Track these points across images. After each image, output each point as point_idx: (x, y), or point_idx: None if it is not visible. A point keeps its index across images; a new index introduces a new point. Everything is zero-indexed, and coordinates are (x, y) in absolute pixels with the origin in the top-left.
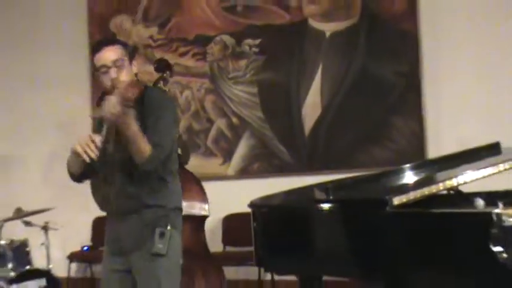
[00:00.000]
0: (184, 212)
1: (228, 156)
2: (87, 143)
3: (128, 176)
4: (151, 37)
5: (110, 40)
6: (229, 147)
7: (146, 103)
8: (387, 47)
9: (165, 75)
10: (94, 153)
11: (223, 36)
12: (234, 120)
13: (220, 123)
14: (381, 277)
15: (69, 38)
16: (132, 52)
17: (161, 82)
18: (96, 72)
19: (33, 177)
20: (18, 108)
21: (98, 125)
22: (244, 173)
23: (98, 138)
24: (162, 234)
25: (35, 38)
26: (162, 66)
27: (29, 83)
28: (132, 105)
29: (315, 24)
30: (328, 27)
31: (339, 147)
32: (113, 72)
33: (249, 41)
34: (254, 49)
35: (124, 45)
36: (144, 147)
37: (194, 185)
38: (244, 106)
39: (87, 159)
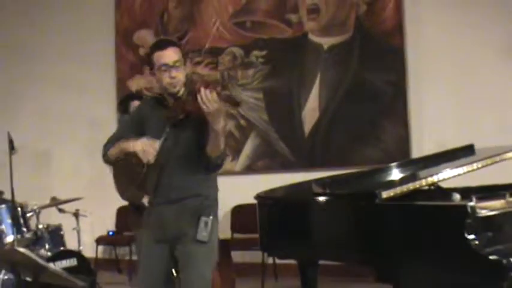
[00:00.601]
0: None
1: (236, 154)
2: (149, 147)
3: (180, 168)
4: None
5: (173, 41)
6: (237, 146)
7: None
8: (377, 59)
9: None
10: (152, 157)
11: (233, 48)
12: (242, 122)
13: (230, 124)
14: (370, 261)
15: (98, 49)
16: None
17: None
18: (151, 69)
19: (66, 170)
20: (54, 111)
21: (134, 120)
22: (250, 169)
23: (157, 144)
24: (206, 223)
25: (69, 50)
26: (232, 102)
27: (63, 90)
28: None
29: (314, 38)
30: (326, 41)
31: (335, 147)
32: (174, 71)
33: (256, 52)
34: (260, 60)
35: (180, 48)
36: (223, 143)
37: None
38: (251, 110)
39: (145, 161)
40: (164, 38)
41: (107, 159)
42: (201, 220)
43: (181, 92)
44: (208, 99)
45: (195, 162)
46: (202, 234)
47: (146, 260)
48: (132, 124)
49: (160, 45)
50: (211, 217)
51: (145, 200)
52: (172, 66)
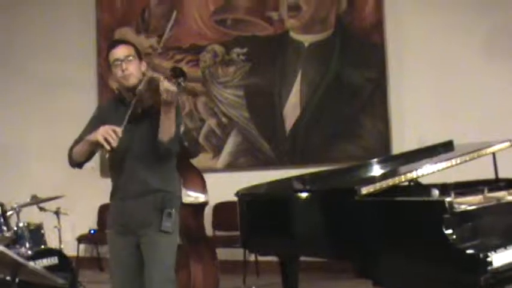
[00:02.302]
0: (192, 200)
1: (217, 151)
2: (110, 133)
3: (141, 163)
4: (150, 46)
5: (125, 41)
6: (219, 143)
7: None
8: (358, 56)
9: (179, 80)
10: (115, 143)
11: (214, 45)
12: (223, 119)
13: (211, 122)
14: (350, 257)
15: (80, 46)
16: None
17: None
18: (109, 67)
19: (47, 168)
20: (35, 108)
21: (95, 121)
22: (232, 166)
23: (120, 130)
24: (169, 215)
25: (50, 47)
26: (177, 73)
27: (44, 86)
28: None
29: (295, 35)
30: (307, 39)
31: (316, 144)
32: (124, 64)
33: (237, 50)
34: (241, 57)
35: (134, 46)
36: (173, 128)
37: (200, 178)
38: (232, 107)
39: (108, 148)
40: (117, 39)
41: (71, 161)
42: (165, 211)
43: (140, 86)
44: (168, 88)
45: (155, 157)
46: (166, 224)
47: (116, 258)
48: (94, 125)
49: (112, 44)
50: (173, 210)
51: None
52: (123, 60)
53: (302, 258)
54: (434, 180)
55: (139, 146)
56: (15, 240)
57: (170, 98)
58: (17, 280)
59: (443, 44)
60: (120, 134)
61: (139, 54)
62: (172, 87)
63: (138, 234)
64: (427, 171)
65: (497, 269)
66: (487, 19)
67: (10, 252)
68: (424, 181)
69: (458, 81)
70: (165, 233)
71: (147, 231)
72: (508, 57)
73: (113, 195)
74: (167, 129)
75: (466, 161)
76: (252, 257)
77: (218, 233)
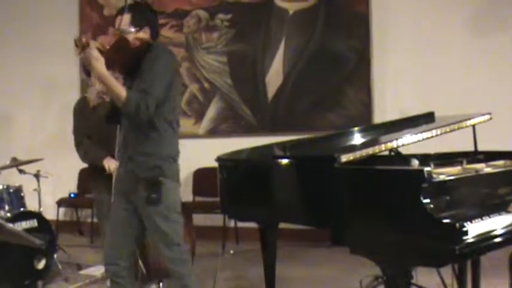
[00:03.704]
0: None
1: (199, 117)
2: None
3: (130, 126)
4: None
5: (122, 8)
6: (201, 109)
7: (146, 57)
8: (342, 26)
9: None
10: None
11: (199, 11)
12: (206, 85)
13: (194, 87)
14: (327, 224)
15: (62, 9)
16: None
17: None
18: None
19: (27, 131)
20: (14, 72)
21: None
22: (214, 132)
23: (100, 87)
24: (153, 185)
25: (32, 9)
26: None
27: (24, 50)
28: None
29: (279, 3)
30: (291, 6)
31: (298, 112)
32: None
33: (221, 16)
34: (225, 23)
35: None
36: (118, 91)
37: None
38: (215, 73)
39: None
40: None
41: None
42: (148, 183)
43: None
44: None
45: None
46: (151, 196)
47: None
48: None
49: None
50: (161, 178)
51: (106, 162)
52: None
53: (281, 225)
54: (415, 151)
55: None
56: None
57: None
58: None
59: (428, 17)
60: (98, 89)
61: (140, 21)
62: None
63: (131, 198)
64: (408, 141)
65: (472, 238)
66: None
67: None
68: (404, 151)
69: (442, 55)
70: (154, 203)
71: (137, 198)
72: (492, 33)
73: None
74: (111, 94)
75: (446, 132)
76: (231, 223)
77: (198, 198)
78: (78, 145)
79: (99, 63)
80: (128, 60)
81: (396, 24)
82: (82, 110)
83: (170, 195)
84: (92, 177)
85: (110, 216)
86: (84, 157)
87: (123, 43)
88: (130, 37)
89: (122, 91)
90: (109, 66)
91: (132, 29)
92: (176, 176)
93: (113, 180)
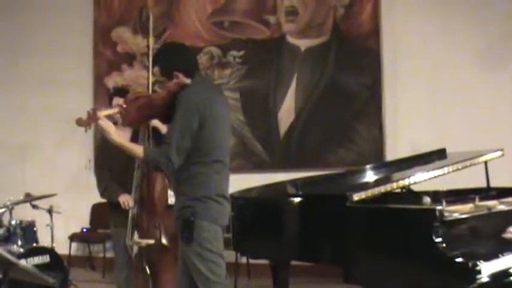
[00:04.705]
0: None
1: None
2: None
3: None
4: (147, 46)
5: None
6: None
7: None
8: (354, 62)
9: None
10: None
11: (211, 47)
12: None
13: None
14: (340, 263)
15: (76, 45)
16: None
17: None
18: None
19: (41, 166)
20: (31, 106)
21: None
22: None
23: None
24: (185, 224)
25: (48, 46)
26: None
27: (40, 85)
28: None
29: (291, 40)
30: (303, 43)
31: (310, 148)
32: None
33: (234, 52)
34: (238, 60)
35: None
36: (135, 152)
37: None
38: None
39: None
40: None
41: None
42: (181, 222)
43: None
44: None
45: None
46: (183, 235)
47: None
48: None
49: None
50: (192, 219)
51: (121, 199)
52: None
53: (293, 262)
54: (427, 188)
55: None
56: (7, 237)
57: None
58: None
59: (438, 52)
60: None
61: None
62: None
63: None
64: (419, 179)
65: (487, 277)
66: (483, 28)
67: (1, 251)
68: (416, 188)
69: (453, 89)
70: (186, 243)
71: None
72: (502, 67)
73: None
74: (134, 155)
75: (458, 169)
76: (243, 260)
77: None
78: (99, 181)
79: (110, 133)
80: (160, 111)
81: (407, 60)
82: (105, 143)
83: (204, 234)
84: (109, 211)
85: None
86: (103, 192)
87: (149, 101)
88: (173, 86)
89: (138, 151)
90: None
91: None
92: (212, 216)
93: (129, 216)
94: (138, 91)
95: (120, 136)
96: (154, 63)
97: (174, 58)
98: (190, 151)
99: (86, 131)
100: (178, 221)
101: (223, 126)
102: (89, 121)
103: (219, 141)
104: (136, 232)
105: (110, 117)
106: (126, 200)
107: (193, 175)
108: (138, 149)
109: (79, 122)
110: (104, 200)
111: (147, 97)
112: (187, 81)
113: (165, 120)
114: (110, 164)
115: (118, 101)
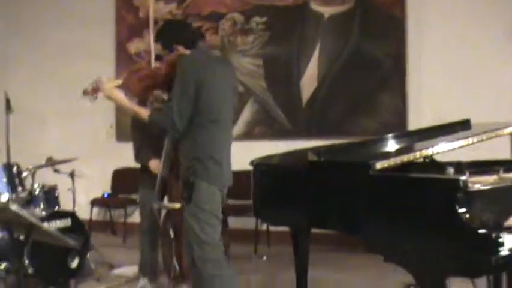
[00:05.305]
0: None
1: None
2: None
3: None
4: (170, 12)
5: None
6: (235, 112)
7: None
8: (378, 30)
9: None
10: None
11: (234, 14)
12: (240, 88)
13: None
14: (360, 231)
15: (98, 11)
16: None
17: None
18: None
19: (63, 132)
20: (52, 73)
21: None
22: (247, 135)
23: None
24: (185, 184)
25: (69, 12)
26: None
27: (62, 51)
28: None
29: (315, 7)
30: (327, 10)
31: (332, 116)
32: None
33: (257, 19)
34: (261, 26)
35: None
36: (140, 113)
37: None
38: (249, 76)
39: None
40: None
41: None
42: (184, 181)
43: None
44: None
45: None
46: (183, 195)
47: None
48: None
49: None
50: (191, 179)
51: (151, 163)
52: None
53: (314, 230)
54: (450, 159)
55: None
56: (30, 201)
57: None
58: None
59: (464, 21)
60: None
61: (169, 43)
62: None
63: None
64: (443, 149)
65: (509, 250)
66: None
67: (24, 213)
68: (439, 159)
69: (479, 60)
70: (186, 201)
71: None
72: None
73: None
74: (138, 117)
75: (482, 140)
76: (263, 227)
77: (231, 201)
78: (133, 143)
79: (116, 98)
80: (162, 81)
81: (432, 28)
82: None
83: (201, 194)
84: (140, 176)
85: None
86: (135, 155)
87: (152, 72)
88: (172, 57)
89: (143, 114)
90: (150, 90)
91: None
92: (211, 177)
93: (158, 180)
94: (139, 63)
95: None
96: (156, 40)
97: (173, 32)
98: (191, 114)
99: (90, 101)
100: (182, 182)
101: (221, 90)
102: (94, 92)
103: (217, 103)
104: (164, 197)
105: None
106: (155, 165)
107: (193, 136)
108: (144, 112)
109: (85, 93)
110: (125, 166)
111: (148, 68)
112: (187, 52)
113: (168, 90)
114: (143, 127)
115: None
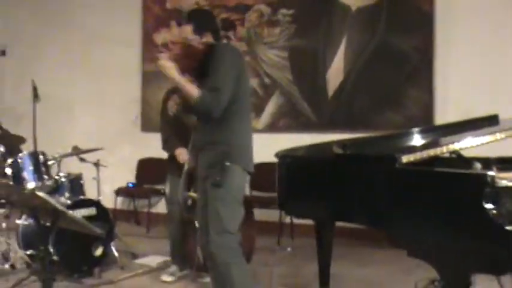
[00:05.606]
0: None
1: (259, 111)
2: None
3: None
4: (197, 3)
5: (185, 14)
6: (260, 103)
7: (211, 58)
8: (405, 23)
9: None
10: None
11: (261, 5)
12: (266, 80)
13: (254, 82)
14: (385, 226)
15: (126, 1)
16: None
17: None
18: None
19: (89, 121)
20: (79, 62)
21: None
22: (272, 127)
23: (176, 97)
24: (222, 169)
25: (97, 1)
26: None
27: (89, 41)
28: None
29: None
30: (354, 3)
31: (357, 110)
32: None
33: (283, 10)
34: (287, 18)
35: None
36: (191, 91)
37: None
38: (275, 68)
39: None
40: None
41: None
42: (217, 166)
43: None
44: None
45: None
46: (216, 178)
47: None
48: None
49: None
50: (227, 163)
51: (177, 152)
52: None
53: (338, 224)
54: (477, 154)
55: None
56: (55, 189)
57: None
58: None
59: (493, 16)
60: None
61: (201, 28)
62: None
63: (204, 186)
64: (470, 144)
65: None
66: None
67: (51, 200)
68: (466, 154)
69: (507, 55)
70: (216, 186)
71: (206, 185)
72: None
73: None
74: (186, 95)
75: (510, 136)
76: (287, 219)
77: (255, 193)
78: (161, 133)
79: (172, 70)
80: (196, 64)
81: (461, 22)
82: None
83: (235, 181)
84: (168, 165)
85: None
86: (163, 144)
87: (189, 50)
88: (195, 43)
89: (194, 92)
90: (180, 72)
91: (196, 37)
92: (245, 163)
93: (184, 170)
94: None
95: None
96: (188, 21)
97: (207, 19)
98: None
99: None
100: (211, 167)
101: (248, 81)
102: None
103: (247, 93)
104: (190, 188)
105: None
106: (181, 153)
107: (228, 123)
108: (194, 90)
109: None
110: (150, 156)
111: (192, 47)
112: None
113: (195, 74)
114: (171, 120)
115: None
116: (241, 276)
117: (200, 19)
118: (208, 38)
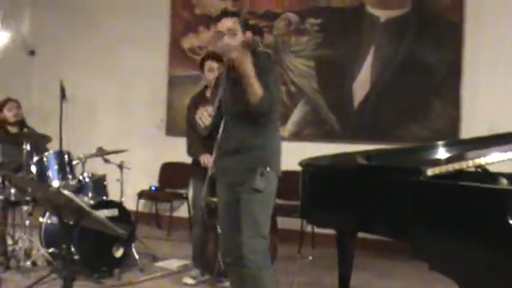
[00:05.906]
0: None
1: (284, 120)
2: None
3: (237, 120)
4: (226, 9)
5: (230, 12)
6: (286, 112)
7: (256, 63)
8: (434, 35)
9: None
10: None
11: (289, 13)
12: (292, 88)
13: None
14: (408, 237)
15: (154, 5)
16: (246, 25)
17: None
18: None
19: (114, 123)
20: (107, 64)
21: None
22: (297, 136)
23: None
24: (262, 174)
25: (126, 4)
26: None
27: (117, 44)
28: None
29: (371, 9)
30: (383, 14)
31: (383, 121)
32: (226, 38)
33: (312, 20)
34: (315, 28)
35: (239, 17)
36: (258, 88)
37: None
38: (302, 77)
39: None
40: (223, 9)
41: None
42: (258, 171)
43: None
44: (227, 47)
45: (249, 116)
46: (258, 183)
47: (222, 211)
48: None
49: (217, 17)
50: (268, 168)
51: (201, 157)
52: (225, 34)
53: (360, 234)
54: (504, 170)
55: (235, 106)
56: (79, 189)
57: (233, 55)
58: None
59: None
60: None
61: (244, 26)
62: (235, 48)
63: (237, 189)
64: (496, 159)
65: None
66: None
67: (76, 199)
68: (492, 170)
69: None
70: (257, 191)
71: (241, 189)
72: None
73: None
74: (250, 92)
75: None
76: (309, 228)
77: (278, 201)
78: (187, 138)
79: (248, 60)
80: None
81: (489, 35)
82: (193, 106)
83: (272, 186)
84: (192, 169)
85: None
86: (188, 149)
87: (250, 47)
88: (239, 37)
89: (260, 90)
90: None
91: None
92: (278, 170)
93: (207, 175)
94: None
95: None
96: (235, 15)
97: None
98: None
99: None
100: (248, 171)
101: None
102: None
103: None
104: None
105: None
106: (205, 158)
107: (266, 128)
108: (260, 89)
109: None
110: (173, 160)
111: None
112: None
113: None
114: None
115: (211, 64)
116: (271, 281)
117: (243, 17)
118: (248, 36)
